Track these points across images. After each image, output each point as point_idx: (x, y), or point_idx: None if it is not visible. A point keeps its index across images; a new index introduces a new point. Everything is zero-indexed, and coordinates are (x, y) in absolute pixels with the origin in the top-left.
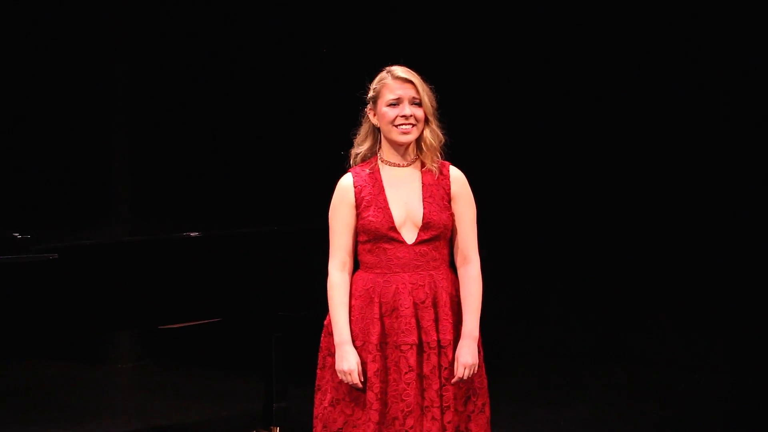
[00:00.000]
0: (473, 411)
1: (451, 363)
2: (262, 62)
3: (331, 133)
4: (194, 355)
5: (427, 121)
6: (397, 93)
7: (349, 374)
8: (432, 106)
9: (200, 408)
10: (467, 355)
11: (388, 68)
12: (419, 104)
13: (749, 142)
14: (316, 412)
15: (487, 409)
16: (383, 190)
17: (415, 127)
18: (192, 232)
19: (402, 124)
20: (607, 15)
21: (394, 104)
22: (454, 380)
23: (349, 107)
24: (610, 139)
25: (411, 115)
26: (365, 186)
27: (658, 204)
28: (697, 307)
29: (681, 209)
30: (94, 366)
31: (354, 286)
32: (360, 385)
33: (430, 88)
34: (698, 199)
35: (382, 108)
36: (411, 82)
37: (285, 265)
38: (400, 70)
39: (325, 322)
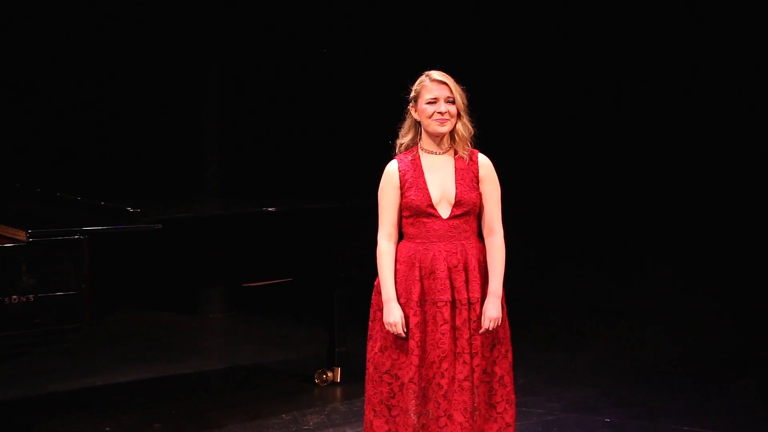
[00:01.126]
0: (498, 356)
1: (479, 317)
2: (333, 67)
3: (380, 127)
4: (271, 309)
5: (459, 116)
6: (435, 93)
7: (395, 326)
8: (463, 103)
9: (276, 351)
10: (492, 310)
11: (426, 72)
12: (452, 102)
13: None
14: (368, 356)
15: (510, 355)
16: (423, 174)
17: (449, 121)
18: (269, 207)
19: (438, 119)
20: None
21: (432, 102)
22: (481, 331)
23: (393, 105)
24: (623, 130)
25: (446, 111)
26: (408, 170)
27: (660, 184)
28: (687, 268)
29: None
30: (191, 315)
31: (398, 254)
32: (403, 335)
33: (462, 89)
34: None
35: (422, 105)
36: (446, 83)
37: (344, 235)
38: (436, 74)
39: (375, 283)
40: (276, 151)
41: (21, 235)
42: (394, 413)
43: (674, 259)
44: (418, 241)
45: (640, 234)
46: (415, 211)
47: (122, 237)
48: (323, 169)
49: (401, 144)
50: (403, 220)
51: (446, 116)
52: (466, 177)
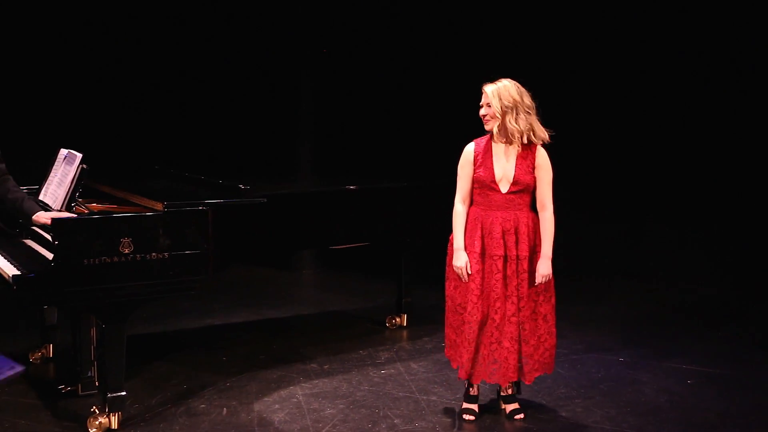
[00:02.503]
0: (543, 300)
1: (525, 269)
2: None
3: (446, 121)
4: (352, 267)
5: (504, 115)
6: (482, 100)
7: (460, 269)
8: (500, 106)
9: (355, 300)
10: (544, 269)
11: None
12: (490, 106)
13: None
14: (447, 292)
15: (553, 300)
16: (492, 157)
17: (490, 121)
18: (352, 186)
19: (483, 118)
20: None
21: (480, 107)
22: (536, 283)
23: (458, 101)
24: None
25: (485, 114)
26: (480, 152)
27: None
28: (691, 233)
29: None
30: (288, 271)
31: (468, 216)
32: (466, 277)
33: (507, 94)
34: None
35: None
36: (485, 92)
37: (410, 209)
38: (487, 84)
39: (450, 238)
40: (360, 137)
41: (159, 206)
42: (463, 336)
43: (681, 224)
44: (483, 207)
45: (653, 203)
46: (482, 184)
47: (235, 208)
48: (398, 153)
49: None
50: (474, 190)
51: (487, 117)
52: (524, 163)
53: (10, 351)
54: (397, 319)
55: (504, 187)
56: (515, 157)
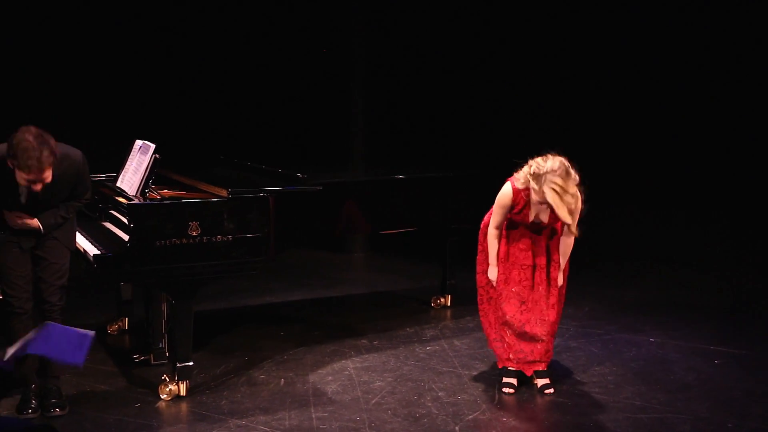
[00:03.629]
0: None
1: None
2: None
3: (491, 119)
4: (400, 250)
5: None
6: (542, 199)
7: (492, 282)
8: (567, 211)
9: (402, 282)
10: (560, 279)
11: (560, 168)
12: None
13: None
14: (478, 283)
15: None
16: (529, 207)
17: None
18: (400, 175)
19: (535, 222)
20: None
21: (539, 204)
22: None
23: (502, 102)
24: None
25: (540, 222)
26: (519, 201)
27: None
28: (720, 222)
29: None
30: (341, 254)
31: (502, 239)
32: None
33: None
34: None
35: (535, 198)
36: (548, 204)
37: (455, 196)
38: (553, 193)
39: (482, 225)
40: (409, 129)
41: (224, 193)
42: (494, 307)
43: (709, 210)
44: (514, 229)
45: (683, 190)
46: (516, 222)
47: (294, 195)
48: (445, 143)
49: (518, 179)
50: (509, 217)
51: (543, 224)
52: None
53: (91, 323)
54: (442, 300)
55: (536, 224)
56: (549, 212)
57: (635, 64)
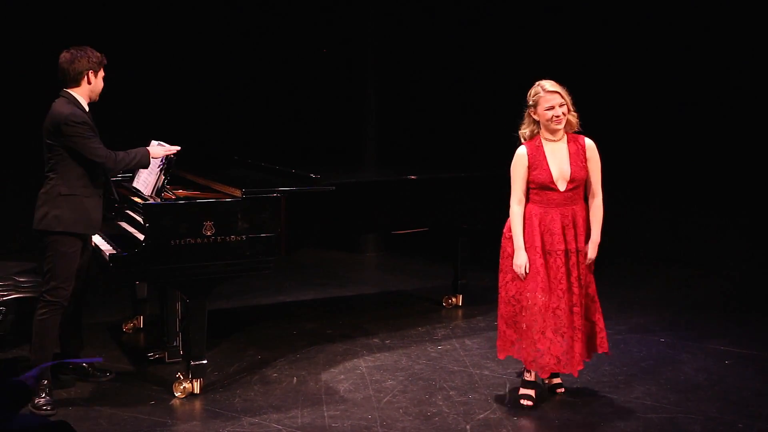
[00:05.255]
0: (590, 281)
1: (584, 261)
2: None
3: (499, 117)
4: (412, 250)
5: (569, 110)
6: (551, 102)
7: (520, 267)
8: (571, 102)
9: (414, 281)
10: (592, 253)
11: (539, 83)
12: (564, 105)
13: None
14: (500, 284)
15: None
16: (546, 158)
17: (563, 120)
18: (412, 175)
19: (556, 120)
20: None
21: (550, 108)
22: (586, 263)
23: (511, 103)
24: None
25: (561, 114)
26: (534, 154)
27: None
28: (730, 222)
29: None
30: (353, 253)
31: (526, 213)
32: (524, 276)
33: (566, 89)
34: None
35: (541, 111)
36: (558, 92)
37: (468, 196)
38: (549, 85)
39: (504, 230)
40: (421, 129)
41: (238, 193)
42: (519, 326)
43: (720, 211)
44: (541, 205)
45: (693, 190)
46: (540, 185)
47: (307, 195)
48: (456, 144)
49: (523, 135)
50: (530, 190)
51: (561, 117)
52: (578, 158)
53: (107, 321)
54: (453, 299)
55: (562, 186)
56: (568, 155)
57: (638, 64)
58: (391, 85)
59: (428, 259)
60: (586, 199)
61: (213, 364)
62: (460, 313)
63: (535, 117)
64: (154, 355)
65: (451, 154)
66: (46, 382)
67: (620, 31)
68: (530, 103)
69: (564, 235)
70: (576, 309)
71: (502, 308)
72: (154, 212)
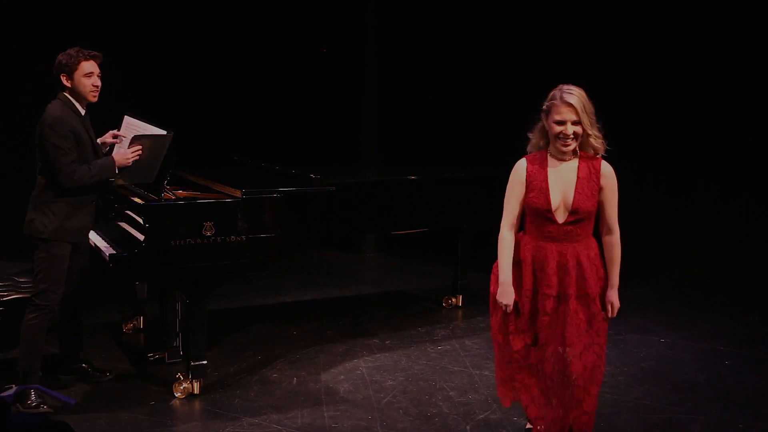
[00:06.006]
0: (596, 332)
1: (584, 309)
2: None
3: (506, 115)
4: (411, 250)
5: (587, 132)
6: (563, 115)
7: (506, 306)
8: (590, 122)
9: (414, 282)
10: (616, 299)
11: (560, 87)
12: (579, 124)
13: None
14: (492, 326)
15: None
16: (547, 179)
17: (572, 143)
18: (412, 175)
19: (563, 140)
20: None
21: (560, 123)
22: (609, 317)
23: (519, 101)
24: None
25: (570, 134)
26: (534, 172)
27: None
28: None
29: None
30: (353, 254)
31: (519, 245)
32: (511, 315)
33: (590, 105)
34: None
35: (551, 122)
36: (573, 107)
37: (467, 196)
38: (567, 95)
39: (494, 266)
40: (420, 128)
41: (238, 193)
42: (513, 369)
43: (719, 211)
44: (535, 237)
45: (691, 191)
46: (535, 212)
47: (306, 196)
48: (457, 144)
49: (531, 144)
50: (526, 216)
51: (570, 139)
52: (587, 186)
53: (107, 321)
54: (453, 300)
55: (561, 216)
56: (576, 178)
57: (643, 65)
58: (392, 84)
59: (428, 259)
60: (597, 234)
61: (213, 365)
62: (460, 313)
63: (546, 126)
64: (154, 355)
65: (452, 153)
66: (34, 401)
67: (620, 31)
68: (544, 108)
69: (559, 276)
70: (563, 365)
71: (497, 353)
72: (155, 212)
